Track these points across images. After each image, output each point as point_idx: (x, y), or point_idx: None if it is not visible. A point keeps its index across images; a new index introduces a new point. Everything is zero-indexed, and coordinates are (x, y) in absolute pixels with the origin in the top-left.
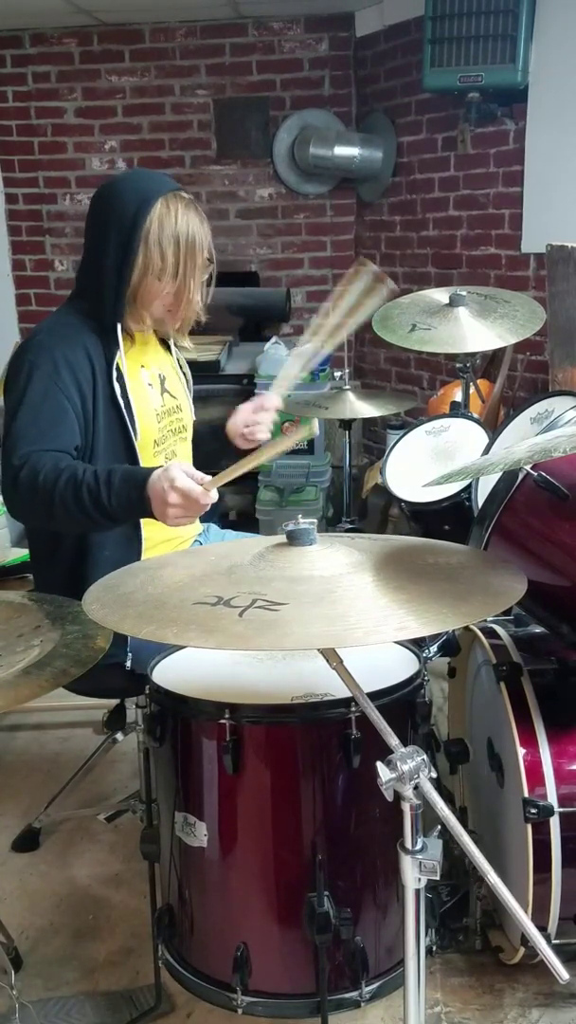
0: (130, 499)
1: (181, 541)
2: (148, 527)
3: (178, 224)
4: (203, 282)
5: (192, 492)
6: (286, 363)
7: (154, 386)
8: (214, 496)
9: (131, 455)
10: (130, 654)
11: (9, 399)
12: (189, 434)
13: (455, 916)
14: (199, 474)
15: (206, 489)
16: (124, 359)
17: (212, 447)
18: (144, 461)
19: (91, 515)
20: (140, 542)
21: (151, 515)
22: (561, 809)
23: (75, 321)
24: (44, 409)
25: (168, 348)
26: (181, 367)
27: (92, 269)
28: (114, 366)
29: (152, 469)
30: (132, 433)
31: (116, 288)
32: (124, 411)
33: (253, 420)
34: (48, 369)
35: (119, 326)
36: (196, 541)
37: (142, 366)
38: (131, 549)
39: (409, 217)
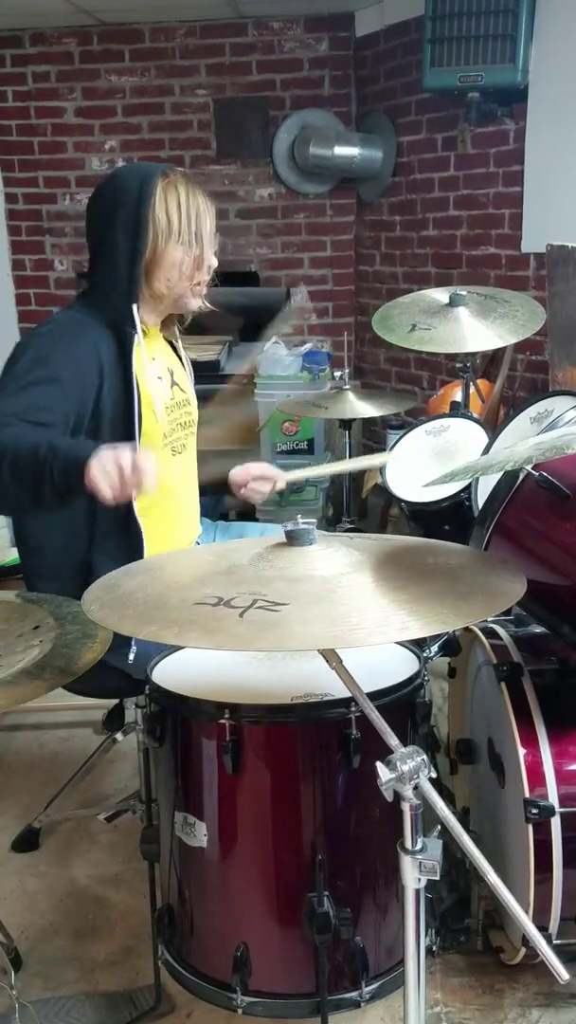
0: (78, 452)
1: (181, 543)
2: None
3: (183, 191)
4: (214, 253)
5: (139, 462)
6: (322, 464)
7: (164, 379)
8: (149, 482)
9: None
10: (134, 648)
11: (2, 378)
12: (196, 428)
13: (456, 917)
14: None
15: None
16: (143, 343)
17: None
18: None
19: (39, 471)
20: (141, 539)
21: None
22: (562, 809)
23: (83, 317)
24: (33, 393)
25: (173, 347)
26: (184, 364)
27: (102, 257)
28: (131, 354)
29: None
30: (136, 424)
31: (130, 266)
32: (134, 402)
33: (257, 483)
34: (51, 356)
35: (135, 308)
36: (195, 543)
37: (153, 358)
38: (131, 541)
39: (409, 217)
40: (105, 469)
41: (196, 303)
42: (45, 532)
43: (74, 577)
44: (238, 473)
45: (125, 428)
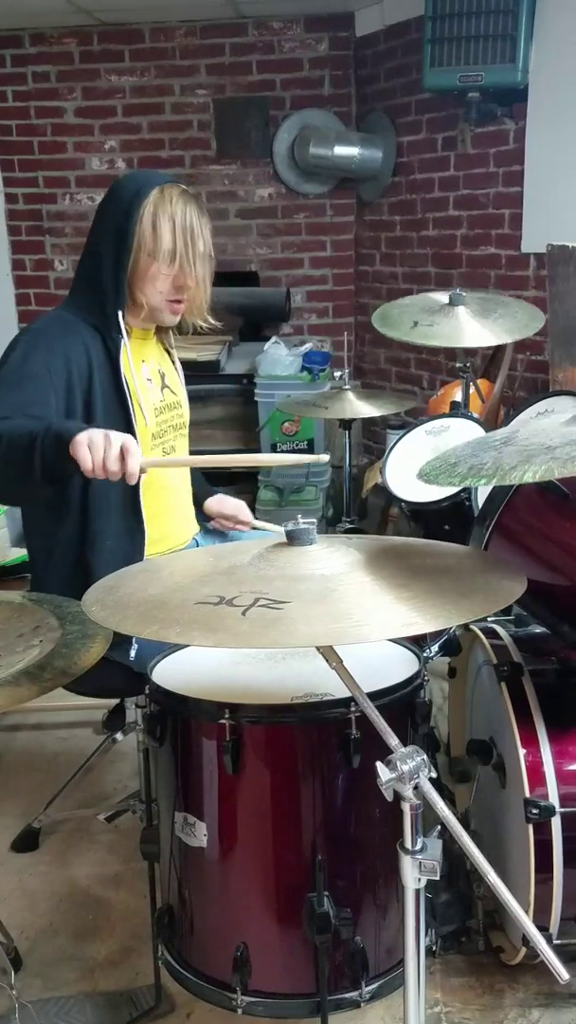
0: (71, 426)
1: (177, 543)
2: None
3: (174, 208)
4: (206, 279)
5: (129, 444)
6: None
7: (154, 381)
8: (132, 464)
9: None
10: (136, 646)
11: None
12: (187, 430)
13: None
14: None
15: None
16: (129, 349)
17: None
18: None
19: (29, 454)
20: (143, 535)
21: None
22: (562, 809)
23: (71, 317)
24: (29, 387)
25: (167, 349)
26: (176, 367)
27: (91, 261)
28: (119, 358)
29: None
30: (127, 425)
31: (115, 274)
32: (126, 403)
33: (228, 520)
34: (41, 353)
35: (120, 314)
36: (193, 540)
37: (143, 360)
38: (134, 542)
39: (409, 217)
40: (92, 440)
41: (172, 319)
42: (46, 532)
43: (75, 569)
44: (212, 505)
45: (124, 424)
